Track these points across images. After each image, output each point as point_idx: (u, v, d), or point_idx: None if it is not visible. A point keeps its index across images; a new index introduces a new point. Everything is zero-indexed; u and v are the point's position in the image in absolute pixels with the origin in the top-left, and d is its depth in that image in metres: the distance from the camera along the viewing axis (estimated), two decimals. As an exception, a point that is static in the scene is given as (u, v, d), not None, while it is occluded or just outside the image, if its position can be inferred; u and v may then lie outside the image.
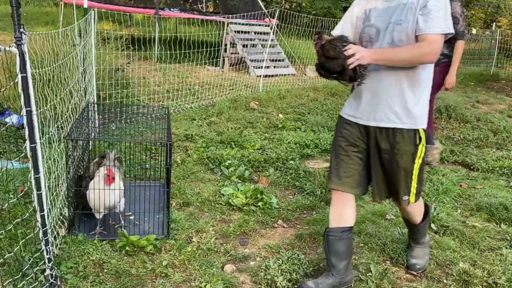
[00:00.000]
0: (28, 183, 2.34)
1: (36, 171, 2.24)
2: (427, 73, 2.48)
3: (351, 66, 2.33)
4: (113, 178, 2.97)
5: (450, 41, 4.34)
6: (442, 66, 4.56)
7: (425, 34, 2.33)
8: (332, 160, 2.68)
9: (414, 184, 2.55)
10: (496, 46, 13.40)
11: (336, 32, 2.61)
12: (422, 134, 2.49)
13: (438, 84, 4.55)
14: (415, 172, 2.53)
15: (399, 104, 2.45)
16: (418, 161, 2.52)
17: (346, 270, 2.65)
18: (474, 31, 14.72)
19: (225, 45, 9.89)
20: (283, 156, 4.82)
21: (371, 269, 2.88)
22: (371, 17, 2.49)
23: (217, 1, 14.51)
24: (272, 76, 9.25)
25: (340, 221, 2.63)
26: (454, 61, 4.58)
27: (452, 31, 2.37)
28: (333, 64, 2.39)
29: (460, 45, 4.56)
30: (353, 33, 2.56)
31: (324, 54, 2.41)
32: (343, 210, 2.65)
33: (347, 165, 2.60)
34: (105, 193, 2.93)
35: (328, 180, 2.70)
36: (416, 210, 2.81)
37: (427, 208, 2.93)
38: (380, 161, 2.57)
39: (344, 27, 2.60)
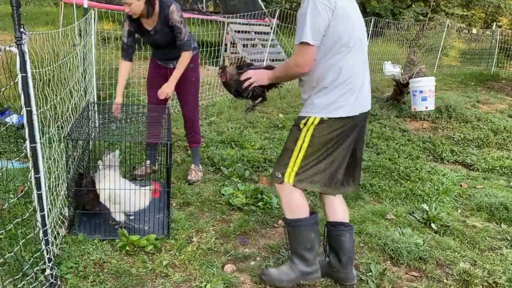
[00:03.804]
0: (28, 183, 2.34)
1: (36, 171, 2.24)
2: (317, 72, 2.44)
3: (249, 88, 2.65)
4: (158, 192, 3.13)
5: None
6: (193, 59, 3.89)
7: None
8: None
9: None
10: (497, 46, 13.40)
11: None
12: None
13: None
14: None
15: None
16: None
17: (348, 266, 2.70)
18: (474, 30, 14.73)
19: (225, 45, 9.89)
20: (283, 156, 4.81)
21: (371, 269, 2.88)
22: None
23: (217, 1, 14.49)
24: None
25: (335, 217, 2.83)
26: (175, 73, 3.73)
27: (308, 40, 2.32)
28: (232, 89, 2.77)
29: (185, 57, 3.69)
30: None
31: (224, 82, 2.77)
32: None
33: None
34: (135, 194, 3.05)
35: None
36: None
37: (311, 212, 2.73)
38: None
39: None
